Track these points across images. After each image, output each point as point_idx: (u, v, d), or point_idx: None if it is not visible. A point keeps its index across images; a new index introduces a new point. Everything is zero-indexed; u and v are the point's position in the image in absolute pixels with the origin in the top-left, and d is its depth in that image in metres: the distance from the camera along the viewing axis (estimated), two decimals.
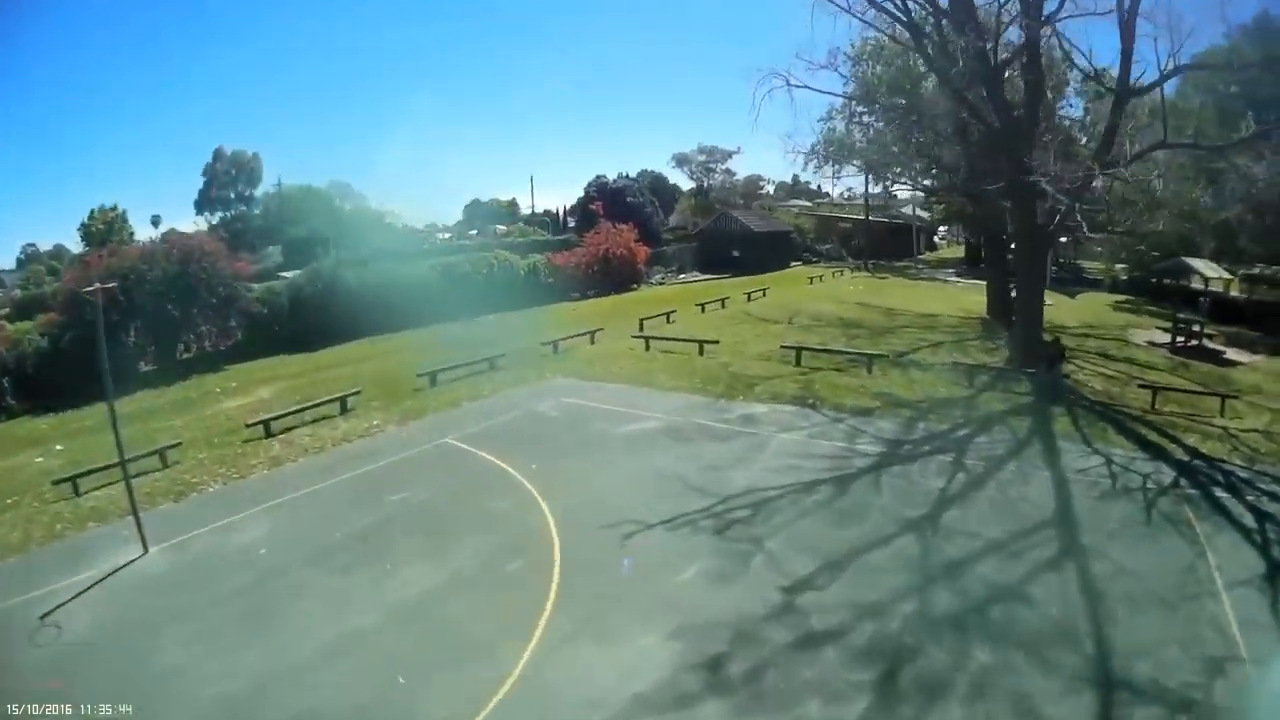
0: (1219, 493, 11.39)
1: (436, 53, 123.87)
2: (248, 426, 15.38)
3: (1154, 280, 32.30)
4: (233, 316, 29.15)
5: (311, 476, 12.86)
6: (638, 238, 43.26)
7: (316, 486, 12.39)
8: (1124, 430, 14.39)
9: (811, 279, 37.67)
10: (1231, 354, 21.99)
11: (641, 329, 24.23)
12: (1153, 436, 14.10)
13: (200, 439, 15.57)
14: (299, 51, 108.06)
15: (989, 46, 17.06)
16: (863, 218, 55.64)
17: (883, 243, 52.04)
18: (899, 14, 20.14)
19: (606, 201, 51.30)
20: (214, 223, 57.70)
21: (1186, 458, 13.04)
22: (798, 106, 70.81)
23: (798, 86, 32.02)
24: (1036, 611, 8.02)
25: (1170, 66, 14.99)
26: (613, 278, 40.73)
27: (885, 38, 39.28)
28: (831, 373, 18.54)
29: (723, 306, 29.49)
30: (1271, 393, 17.15)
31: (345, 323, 29.39)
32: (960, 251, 55.65)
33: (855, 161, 49.72)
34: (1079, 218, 16.62)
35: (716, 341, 21.27)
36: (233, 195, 61.29)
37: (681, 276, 45.55)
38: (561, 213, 68.10)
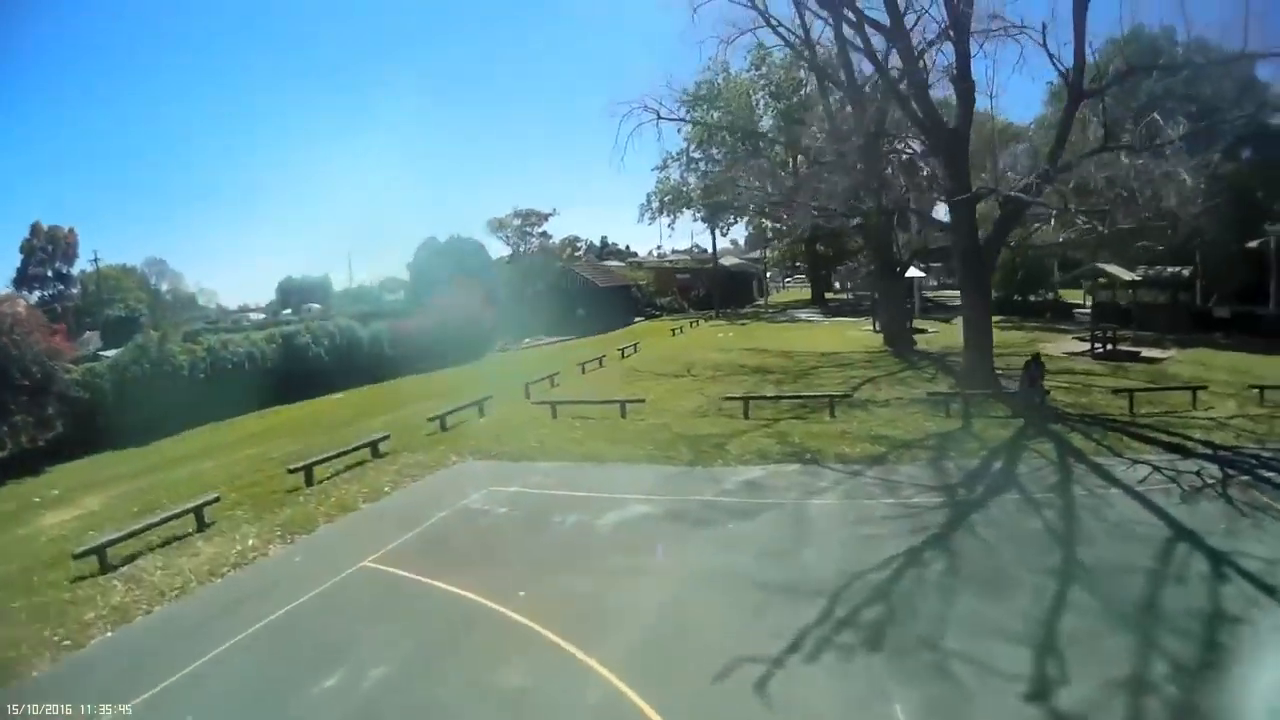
0: (1267, 474, 11.53)
1: (249, 126, 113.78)
2: (75, 558, 10.26)
3: (1018, 298, 35.04)
4: (50, 403, 24.05)
5: (179, 644, 7.79)
6: (488, 299, 39.24)
7: (193, 666, 7.33)
8: (1135, 436, 14.01)
9: (674, 330, 36.02)
10: (1148, 352, 23.17)
11: (528, 395, 20.64)
12: (1163, 438, 13.87)
13: (15, 578, 10.44)
14: (112, 121, 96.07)
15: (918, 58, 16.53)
16: (698, 268, 56.38)
17: (725, 291, 52.58)
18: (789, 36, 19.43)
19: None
20: (33, 303, 51.34)
21: (1209, 451, 12.93)
22: (665, 142, 69.73)
23: (670, 119, 31.52)
24: None
25: (1121, 67, 15.28)
26: (463, 346, 35.91)
27: (719, 80, 40.64)
28: (793, 421, 16.35)
29: (601, 365, 26.39)
30: (1214, 380, 17.85)
31: (180, 408, 25.49)
32: (798, 293, 57.99)
33: (691, 208, 51.11)
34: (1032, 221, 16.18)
35: (641, 400, 18.00)
36: (49, 274, 57.69)
37: (526, 341, 41.62)
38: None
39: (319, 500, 12.68)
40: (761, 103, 42.62)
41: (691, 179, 48.87)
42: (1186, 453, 12.79)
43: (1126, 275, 25.51)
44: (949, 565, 8.75)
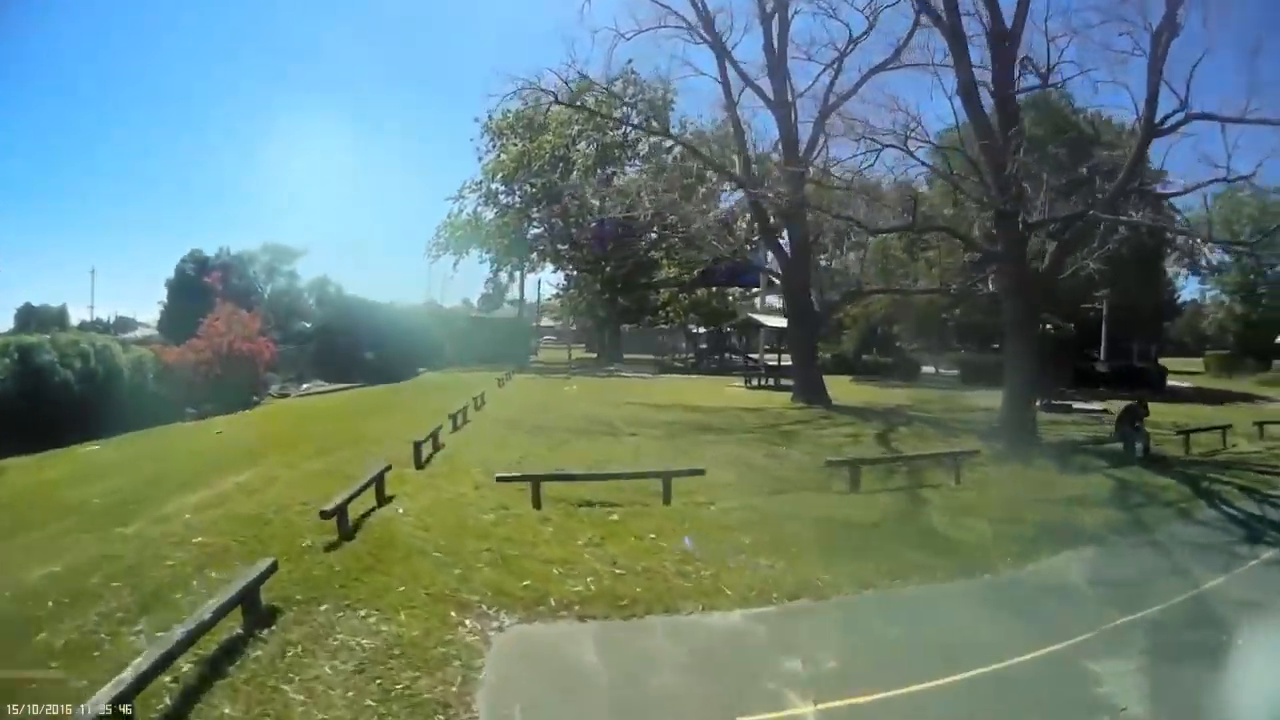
0: None
1: None
2: None
3: (866, 356, 34.60)
4: None
5: None
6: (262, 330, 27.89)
7: None
8: (1245, 476, 13.52)
9: (500, 381, 28.30)
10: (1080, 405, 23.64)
11: (422, 460, 13.15)
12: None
13: None
14: None
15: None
16: (482, 318, 48.59)
17: (498, 345, 45.60)
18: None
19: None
20: None
21: None
22: None
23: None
24: None
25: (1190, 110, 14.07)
26: (238, 387, 24.99)
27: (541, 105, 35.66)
28: (907, 492, 11.43)
29: (463, 421, 18.10)
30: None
31: None
32: (558, 353, 52.82)
33: (481, 248, 43.85)
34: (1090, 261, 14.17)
35: (701, 472, 11.42)
36: None
37: (306, 386, 30.03)
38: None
39: None
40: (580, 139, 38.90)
41: (489, 213, 42.88)
42: None
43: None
44: None
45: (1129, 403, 15.36)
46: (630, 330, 47.48)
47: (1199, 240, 17.40)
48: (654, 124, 26.45)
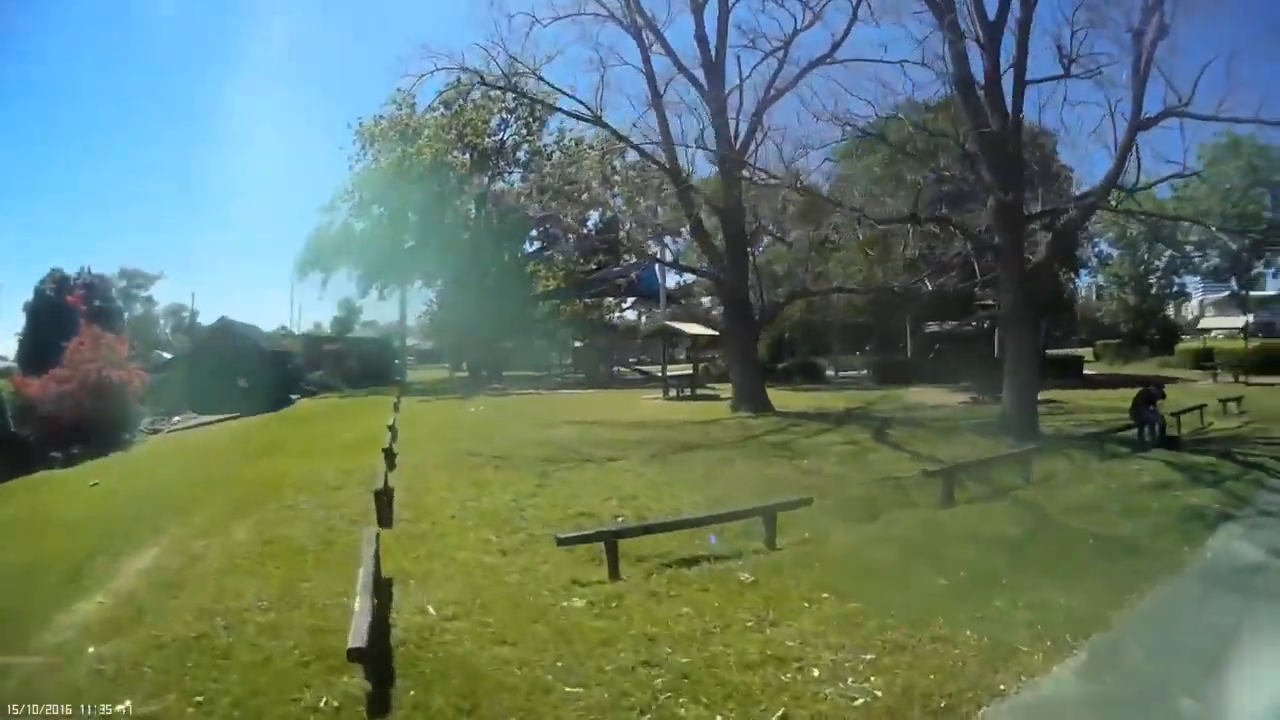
0: None
1: None
2: None
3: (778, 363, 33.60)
4: None
5: None
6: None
7: None
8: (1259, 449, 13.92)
9: (395, 405, 23.81)
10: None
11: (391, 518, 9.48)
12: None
13: None
14: None
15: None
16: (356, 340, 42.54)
17: (366, 367, 39.99)
18: None
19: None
20: None
21: None
22: None
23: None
24: None
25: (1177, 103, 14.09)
26: (105, 422, 20.36)
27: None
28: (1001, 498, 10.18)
29: (393, 460, 14.11)
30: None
31: None
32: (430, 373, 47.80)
33: (350, 264, 39.36)
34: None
35: (808, 501, 9.22)
36: None
37: (177, 419, 24.85)
38: None
39: None
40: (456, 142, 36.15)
41: (360, 225, 38.71)
42: None
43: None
44: None
45: (1142, 388, 15.44)
46: (506, 346, 44.20)
47: (1213, 229, 17.85)
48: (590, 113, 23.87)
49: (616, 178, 33.29)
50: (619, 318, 45.19)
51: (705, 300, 41.48)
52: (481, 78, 21.37)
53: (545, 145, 37.22)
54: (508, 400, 27.55)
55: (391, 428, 16.38)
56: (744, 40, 21.62)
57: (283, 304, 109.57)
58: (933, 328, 31.61)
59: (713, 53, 22.13)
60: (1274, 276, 46.70)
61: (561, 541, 7.72)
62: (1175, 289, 46.32)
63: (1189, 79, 13.92)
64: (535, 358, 44.37)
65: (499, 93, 34.29)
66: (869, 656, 5.62)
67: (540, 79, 22.24)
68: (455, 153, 36.10)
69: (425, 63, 20.62)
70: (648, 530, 8.12)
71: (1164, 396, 15.37)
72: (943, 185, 19.49)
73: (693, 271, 27.09)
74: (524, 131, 37.19)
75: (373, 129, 36.59)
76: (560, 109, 22.88)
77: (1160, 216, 16.16)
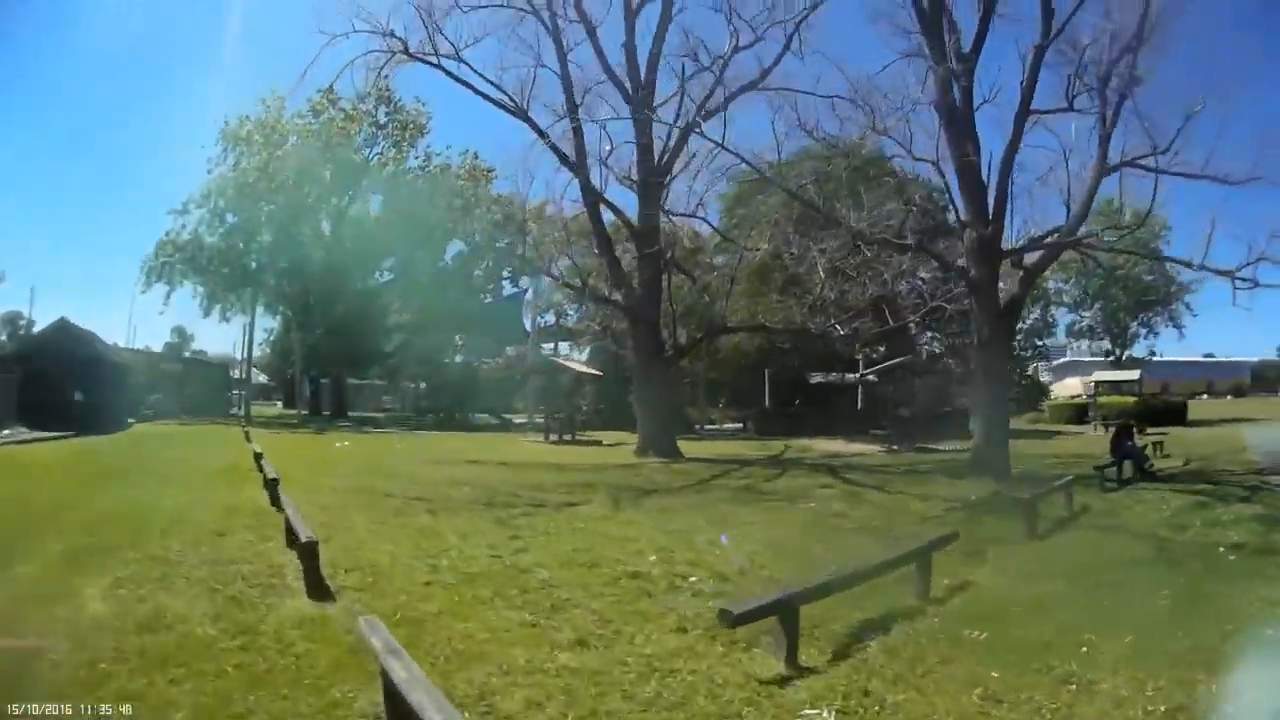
0: None
1: None
2: None
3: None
4: None
5: None
6: None
7: None
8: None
9: (246, 436, 18.38)
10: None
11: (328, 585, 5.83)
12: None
13: None
14: None
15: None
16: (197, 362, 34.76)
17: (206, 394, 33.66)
18: None
19: None
20: None
21: None
22: None
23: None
24: None
25: None
26: None
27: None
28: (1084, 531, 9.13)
29: (277, 496, 9.94)
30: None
31: None
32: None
33: (196, 279, 34.68)
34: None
35: (955, 536, 7.10)
36: None
37: (6, 433, 19.93)
38: None
39: None
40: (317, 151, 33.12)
41: (212, 238, 34.41)
42: None
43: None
44: None
45: (1120, 423, 15.36)
46: (350, 384, 39.47)
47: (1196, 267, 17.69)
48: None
49: (479, 210, 31.04)
50: (480, 360, 41.49)
51: (564, 345, 38.97)
52: (406, 48, 18.46)
53: (410, 169, 35.23)
54: (369, 438, 23.46)
55: (260, 457, 11.99)
56: (684, 52, 20.18)
57: (123, 318, 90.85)
58: (817, 379, 31.73)
59: (641, 70, 20.57)
60: (1144, 339, 48.85)
61: (737, 620, 4.63)
62: (1038, 349, 45.80)
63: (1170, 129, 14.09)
64: (376, 396, 41.72)
65: (371, 108, 32.29)
66: None
67: (462, 61, 19.37)
68: (319, 166, 33.39)
69: (344, 22, 18.59)
70: (825, 592, 5.31)
71: (1142, 432, 15.59)
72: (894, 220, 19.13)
73: (602, 301, 24.56)
74: (393, 150, 35.04)
75: (236, 131, 33.06)
76: (485, 95, 19.76)
77: (1146, 256, 16.82)
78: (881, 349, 32.68)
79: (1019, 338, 43.82)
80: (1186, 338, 51.25)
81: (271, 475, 9.34)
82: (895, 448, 22.00)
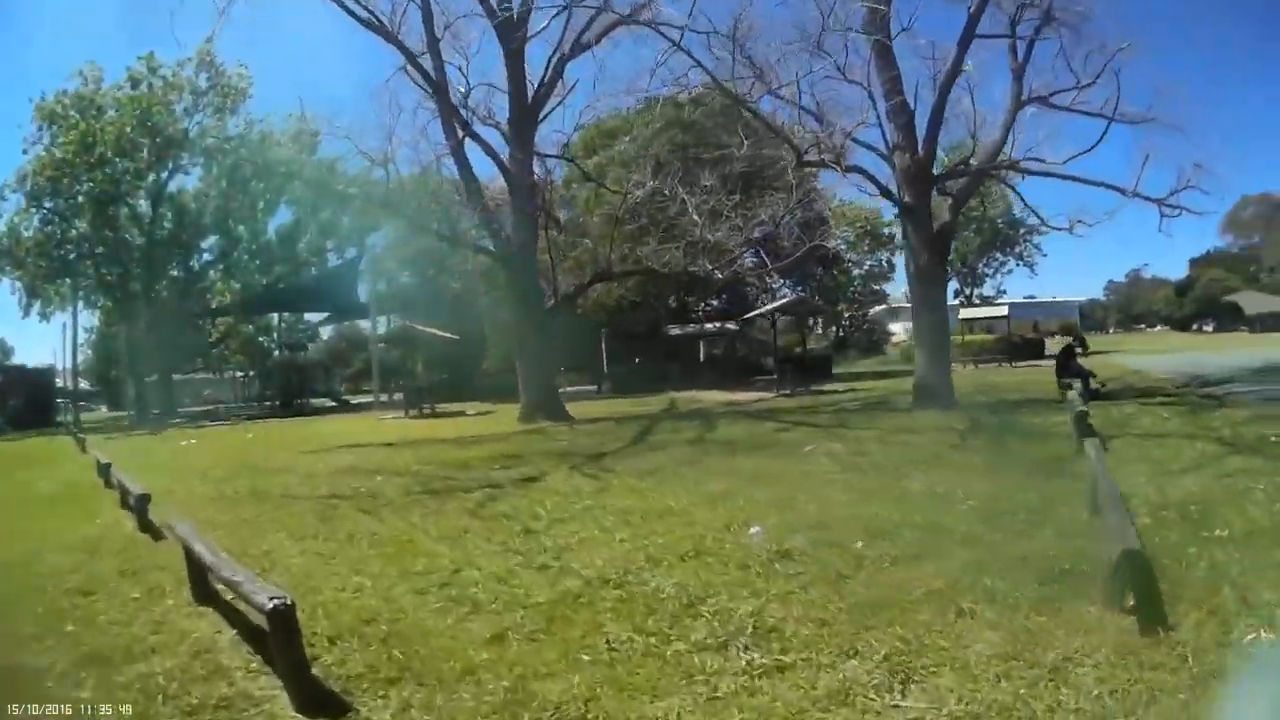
0: None
1: None
2: None
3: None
4: None
5: None
6: None
7: None
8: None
9: (81, 445, 13.35)
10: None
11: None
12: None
13: None
14: None
15: None
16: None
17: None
18: None
19: None
20: None
21: None
22: None
23: None
24: None
25: None
26: None
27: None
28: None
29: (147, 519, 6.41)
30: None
31: None
32: None
33: (14, 274, 31.13)
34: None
35: None
36: None
37: None
38: None
39: None
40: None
41: (28, 230, 30.91)
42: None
43: None
44: None
45: (1065, 345, 15.40)
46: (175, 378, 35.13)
47: (1126, 194, 17.56)
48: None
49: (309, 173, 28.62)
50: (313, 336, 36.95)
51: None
52: None
53: (231, 137, 31.21)
54: (214, 432, 19.80)
55: (107, 469, 8.63)
56: None
57: None
58: (674, 330, 30.70)
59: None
60: (991, 277, 52.38)
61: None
62: (875, 294, 46.83)
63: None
64: (199, 391, 38.58)
65: (192, 75, 29.91)
66: None
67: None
68: (138, 139, 29.80)
69: None
70: None
71: (1085, 351, 16.02)
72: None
73: (474, 250, 21.01)
74: (215, 118, 31.21)
75: (52, 106, 29.98)
76: (352, 13, 15.38)
77: (1073, 179, 16.98)
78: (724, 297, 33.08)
79: (857, 283, 45.14)
80: (1015, 281, 57.49)
81: (139, 491, 6.27)
82: (787, 392, 21.43)
